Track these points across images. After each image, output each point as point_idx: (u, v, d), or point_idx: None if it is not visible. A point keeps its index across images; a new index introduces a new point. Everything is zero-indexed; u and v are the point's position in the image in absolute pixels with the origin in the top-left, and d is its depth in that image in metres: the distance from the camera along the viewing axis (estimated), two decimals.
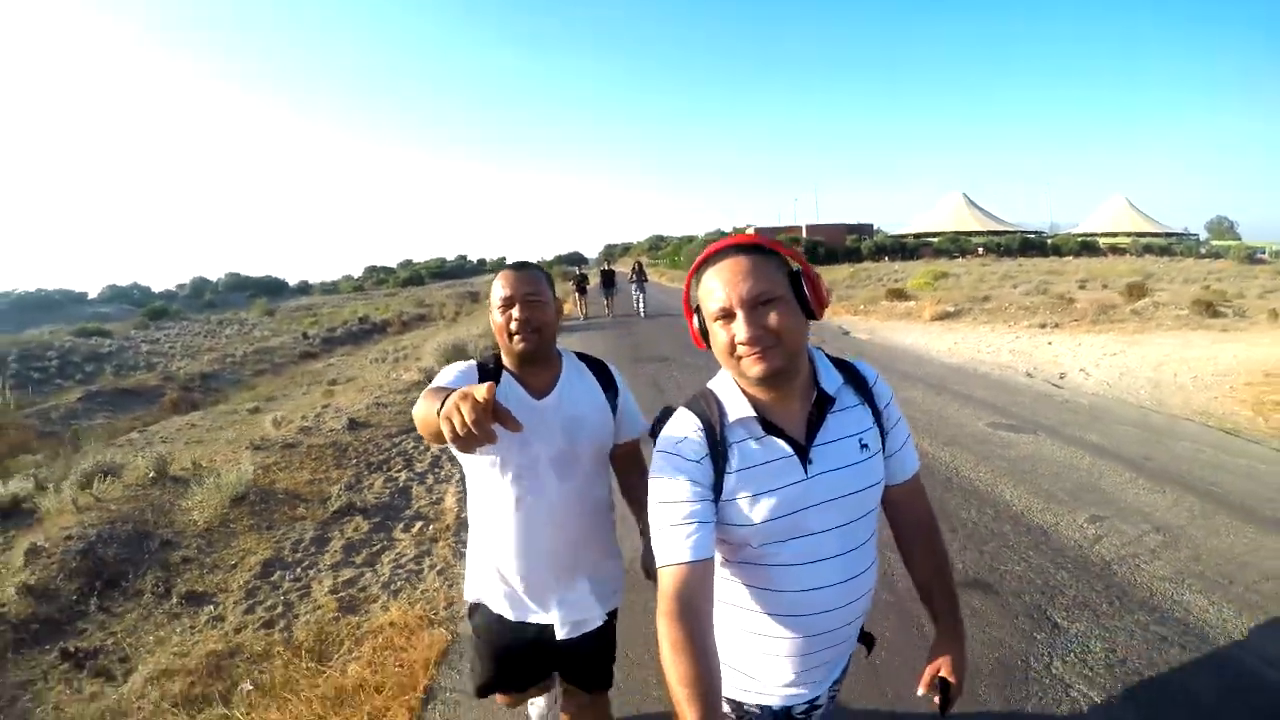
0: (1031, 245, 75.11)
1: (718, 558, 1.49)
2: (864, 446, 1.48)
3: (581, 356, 2.22)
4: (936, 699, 1.63)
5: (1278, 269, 38.61)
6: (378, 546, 5.21)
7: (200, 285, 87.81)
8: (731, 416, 1.44)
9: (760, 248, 1.40)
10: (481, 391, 1.25)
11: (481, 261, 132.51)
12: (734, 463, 1.41)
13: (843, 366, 1.58)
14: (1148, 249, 70.38)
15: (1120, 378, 10.03)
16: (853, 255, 67.34)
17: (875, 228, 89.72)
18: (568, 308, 23.83)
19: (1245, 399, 8.49)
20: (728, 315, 1.36)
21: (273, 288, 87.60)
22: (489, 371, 2.00)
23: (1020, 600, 4.00)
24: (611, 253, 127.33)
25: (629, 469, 2.27)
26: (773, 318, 1.34)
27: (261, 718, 3.16)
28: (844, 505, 1.45)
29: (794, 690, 1.54)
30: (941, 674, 1.63)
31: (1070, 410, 8.41)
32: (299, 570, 4.85)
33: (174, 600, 4.45)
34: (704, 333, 1.48)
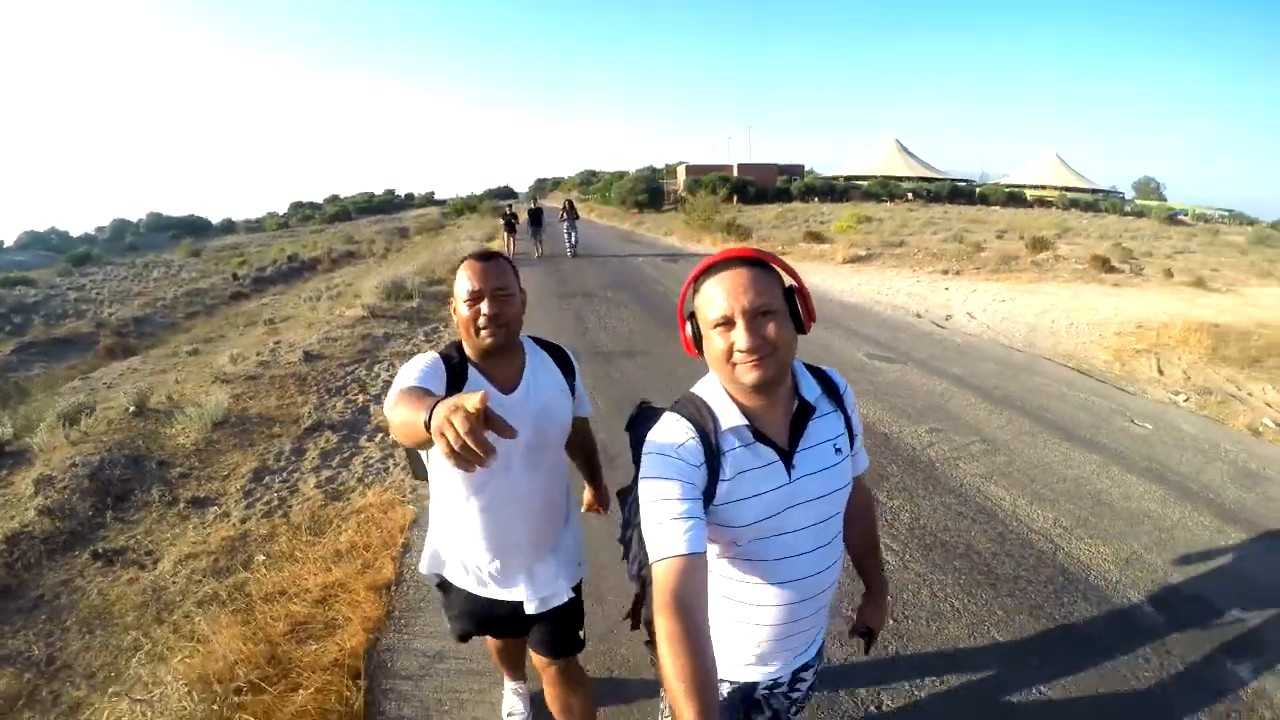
0: (960, 193, 76.46)
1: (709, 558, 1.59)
2: (837, 450, 1.62)
3: (539, 342, 2.30)
4: (864, 643, 2.08)
5: (1192, 231, 40.72)
6: (348, 453, 6.21)
7: (121, 227, 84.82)
8: (724, 424, 1.52)
9: (761, 262, 1.50)
10: (473, 401, 1.20)
11: (410, 196, 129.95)
12: (728, 470, 1.50)
13: (817, 375, 1.71)
14: (1074, 204, 72.14)
15: (1001, 322, 11.15)
16: (783, 195, 67.83)
17: (807, 169, 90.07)
18: (496, 244, 23.77)
19: (1110, 346, 9.62)
20: (728, 324, 1.44)
21: (196, 227, 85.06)
22: (455, 366, 2.03)
23: None
24: (542, 186, 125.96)
25: (580, 436, 2.48)
26: (771, 328, 1.43)
27: (278, 576, 4.15)
28: (819, 506, 1.59)
29: (761, 669, 1.71)
30: (870, 624, 2.03)
31: (944, 347, 9.55)
32: (285, 475, 5.81)
33: (181, 505, 5.36)
34: (696, 340, 1.58)
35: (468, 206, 70.68)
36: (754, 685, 1.73)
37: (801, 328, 1.51)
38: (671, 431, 1.51)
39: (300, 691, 3.07)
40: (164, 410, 7.34)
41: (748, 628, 1.64)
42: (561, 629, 2.32)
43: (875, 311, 12.29)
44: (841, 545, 1.70)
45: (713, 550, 1.59)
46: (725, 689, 1.71)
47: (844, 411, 1.69)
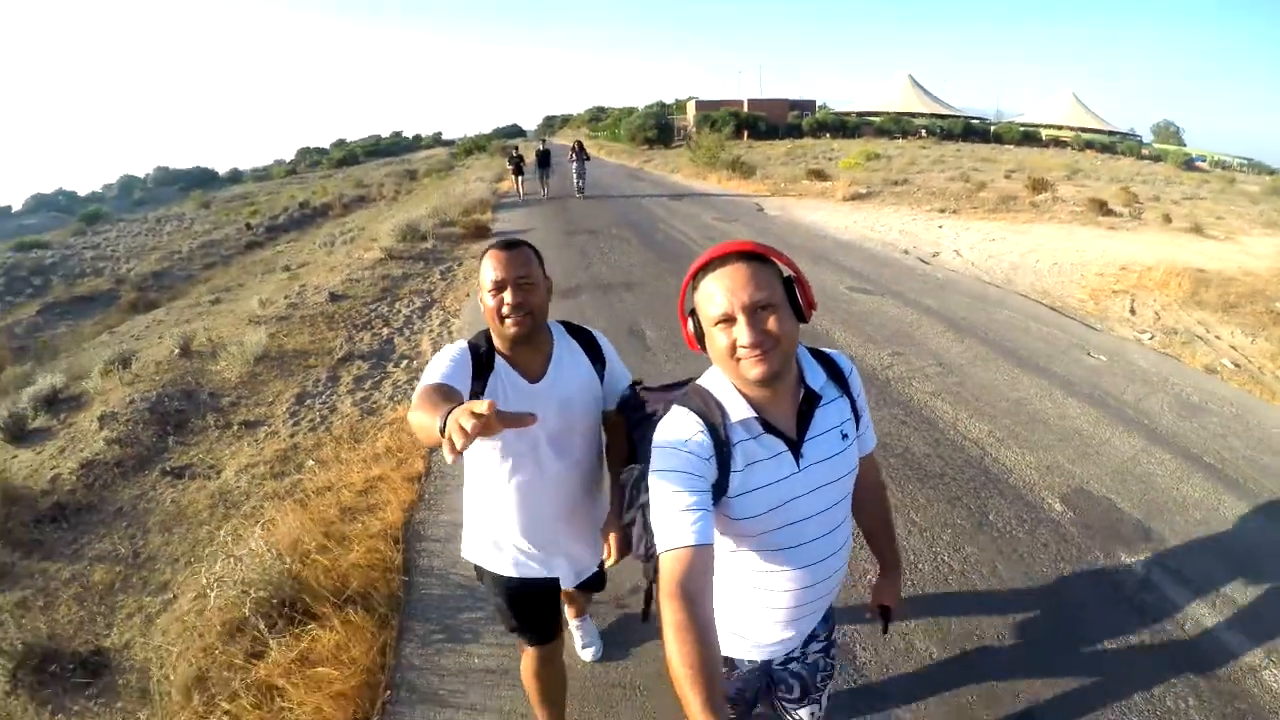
0: (974, 131, 75.27)
1: (719, 543, 1.63)
2: (844, 436, 1.65)
3: (569, 328, 2.31)
4: (881, 623, 2.10)
5: (1206, 178, 39.57)
6: (378, 377, 7.03)
7: (128, 183, 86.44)
8: (733, 416, 1.54)
9: (758, 255, 1.50)
10: (482, 407, 1.28)
11: (417, 137, 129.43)
12: (738, 461, 1.53)
13: (822, 359, 1.72)
14: (1089, 145, 70.25)
15: (986, 259, 11.54)
16: (794, 131, 67.15)
17: (823, 104, 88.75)
18: (505, 185, 24.42)
19: (1089, 286, 9.92)
20: (729, 320, 1.45)
21: (203, 179, 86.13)
22: (482, 356, 2.07)
23: None
24: (551, 124, 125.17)
25: (616, 431, 2.34)
26: (772, 322, 1.45)
27: (326, 475, 4.96)
28: (827, 492, 1.62)
29: (776, 645, 1.78)
30: (884, 602, 2.06)
31: (924, 281, 10.08)
32: (323, 398, 6.62)
33: (234, 428, 6.16)
34: (698, 336, 1.59)
35: (476, 146, 70.72)
36: (770, 661, 1.83)
37: (802, 317, 1.55)
38: (681, 426, 1.55)
39: (354, 552, 3.88)
40: (206, 351, 8.16)
41: (766, 611, 1.71)
42: (591, 581, 2.56)
43: (865, 248, 12.76)
44: (850, 526, 1.77)
45: (727, 540, 1.66)
46: (746, 667, 1.82)
47: (849, 395, 1.72)
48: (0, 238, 41.25)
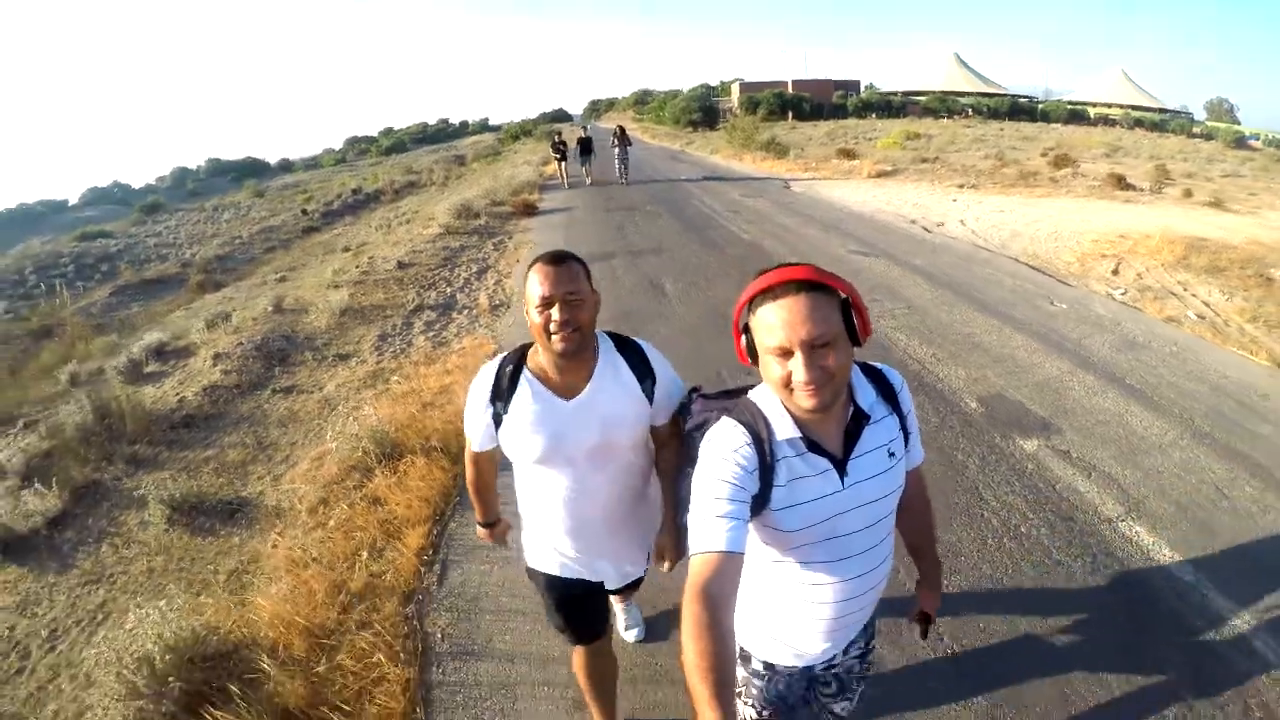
0: (1021, 110, 76.15)
1: (760, 556, 1.74)
2: (891, 455, 1.68)
3: (617, 341, 2.28)
4: (919, 629, 2.18)
5: (1250, 156, 39.91)
6: (445, 322, 8.66)
7: (181, 175, 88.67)
8: (779, 435, 1.59)
9: (817, 284, 1.48)
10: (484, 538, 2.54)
11: (464, 124, 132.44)
12: (781, 476, 1.58)
13: (872, 375, 1.77)
14: (1138, 123, 70.35)
15: (988, 228, 12.44)
16: (839, 112, 68.52)
17: (869, 84, 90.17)
18: (550, 169, 25.51)
19: (1081, 251, 10.57)
20: (785, 353, 1.47)
21: (254, 169, 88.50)
22: (506, 381, 2.15)
23: None
24: (597, 108, 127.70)
25: (667, 444, 2.34)
26: (830, 359, 1.47)
27: (408, 385, 6.49)
28: (871, 510, 1.66)
29: (816, 652, 1.85)
30: (925, 609, 2.14)
31: (921, 246, 11.23)
32: (401, 337, 8.21)
33: (329, 359, 7.76)
34: (751, 353, 1.61)
35: (523, 131, 72.24)
36: (812, 666, 1.90)
37: (857, 340, 1.55)
38: (729, 437, 1.59)
39: (434, 420, 5.47)
40: (295, 309, 9.83)
41: (808, 621, 1.76)
42: (635, 586, 2.68)
43: (876, 219, 13.96)
44: (892, 542, 1.79)
45: (770, 552, 1.71)
46: (787, 673, 1.90)
47: (899, 412, 1.75)
48: (61, 230, 43.23)
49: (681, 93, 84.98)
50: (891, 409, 1.74)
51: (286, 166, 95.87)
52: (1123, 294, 8.65)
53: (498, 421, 2.15)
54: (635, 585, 2.68)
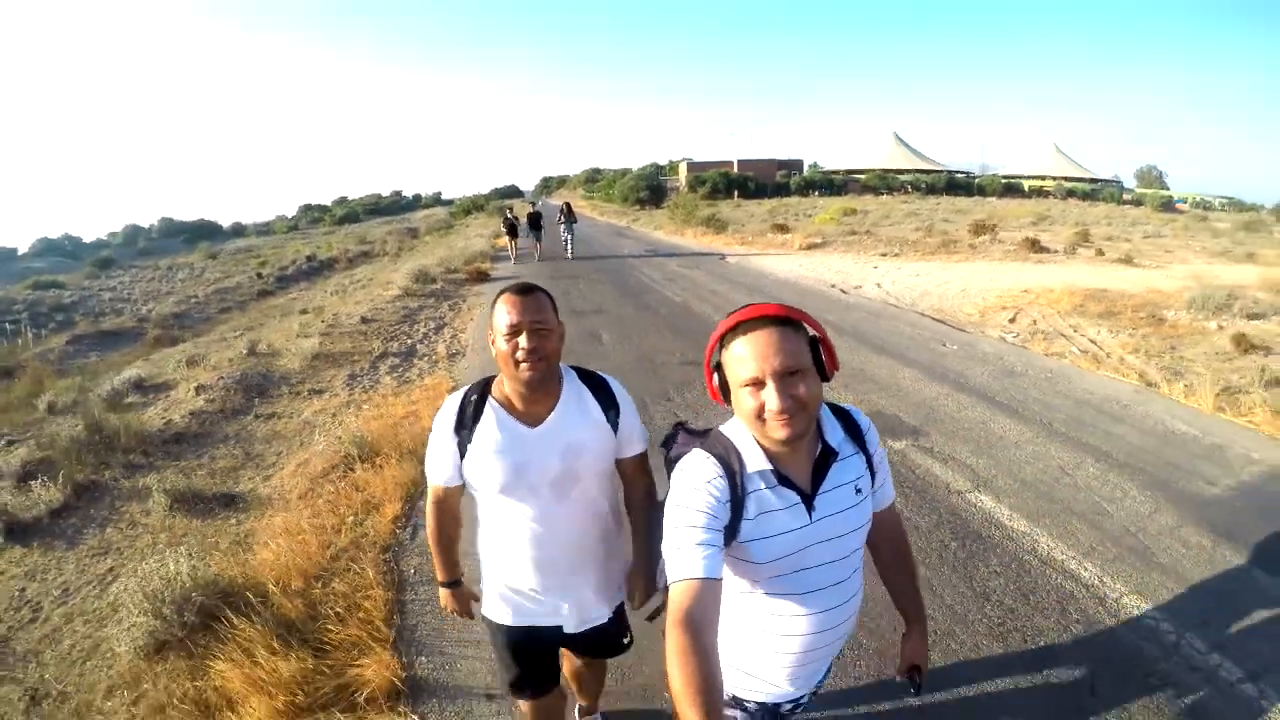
0: (958, 185, 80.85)
1: (730, 585, 1.76)
2: (858, 491, 1.75)
3: (582, 374, 2.32)
4: (911, 684, 2.07)
5: (1173, 219, 43.31)
6: (407, 366, 9.85)
7: (134, 233, 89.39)
8: (750, 467, 1.66)
9: (787, 320, 1.59)
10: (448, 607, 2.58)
11: (417, 197, 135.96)
12: (751, 509, 1.64)
13: (840, 415, 1.84)
14: (1070, 193, 74.94)
15: (903, 290, 13.80)
16: (782, 190, 72.63)
17: (813, 163, 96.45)
18: (501, 242, 26.35)
19: (983, 305, 11.86)
20: (758, 384, 1.55)
21: (207, 231, 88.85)
22: (470, 409, 2.19)
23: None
24: (548, 184, 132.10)
25: (634, 481, 2.41)
26: (801, 388, 1.54)
27: (377, 411, 7.59)
28: (839, 544, 1.72)
29: (785, 690, 1.87)
30: (915, 662, 2.07)
31: (835, 304, 12.69)
32: (368, 377, 9.36)
33: (304, 394, 8.85)
34: (724, 391, 1.69)
35: (475, 206, 74.33)
36: (778, 705, 1.91)
37: (825, 376, 1.64)
38: (702, 468, 1.66)
39: (405, 435, 6.58)
40: (267, 354, 10.91)
41: (774, 655, 1.80)
42: (602, 643, 2.56)
43: (799, 284, 15.46)
44: (861, 579, 1.84)
45: (739, 584, 1.76)
46: (755, 710, 1.91)
47: (865, 451, 1.81)
48: (8, 279, 43.22)
49: (631, 170, 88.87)
50: (858, 448, 1.81)
51: (239, 230, 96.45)
52: (1014, 337, 9.86)
53: (463, 451, 2.17)
54: (605, 649, 2.65)
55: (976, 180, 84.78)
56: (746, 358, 1.56)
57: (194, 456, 7.20)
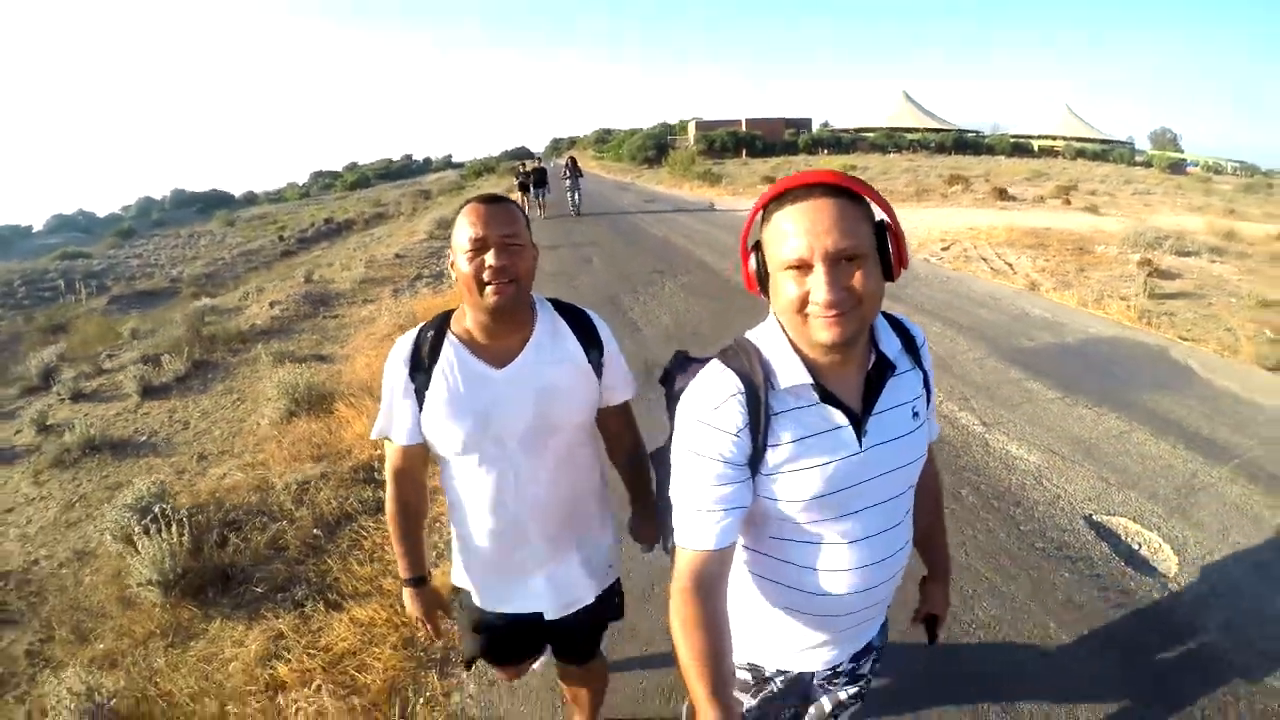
0: (967, 144, 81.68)
1: (750, 533, 1.49)
2: (915, 415, 1.44)
3: (560, 306, 1.99)
4: (926, 631, 1.91)
5: (1172, 178, 44.94)
6: (440, 282, 12.34)
7: (146, 205, 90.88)
8: (782, 381, 1.33)
9: (847, 191, 1.25)
10: (418, 618, 2.13)
11: (428, 160, 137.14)
12: (780, 434, 1.33)
13: (894, 324, 1.50)
14: (1080, 153, 75.69)
15: None
16: (790, 149, 73.68)
17: (823, 122, 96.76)
18: (514, 196, 27.79)
19: (925, 238, 13.42)
20: (804, 268, 1.22)
21: (219, 201, 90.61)
22: (424, 349, 1.84)
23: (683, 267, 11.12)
24: (559, 146, 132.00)
25: (619, 433, 2.14)
26: (857, 278, 1.22)
27: (425, 305, 9.98)
28: (892, 480, 1.41)
29: (815, 656, 1.56)
30: (933, 611, 1.86)
31: None
32: (409, 290, 11.85)
33: (359, 301, 11.38)
34: (760, 278, 1.36)
35: (486, 168, 75.43)
36: (810, 674, 1.62)
37: (890, 274, 1.30)
38: (712, 388, 1.35)
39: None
40: (321, 281, 13.37)
41: (802, 615, 1.50)
42: (586, 634, 2.26)
43: None
44: (911, 526, 1.54)
45: (764, 529, 1.46)
46: (779, 681, 1.61)
47: (922, 368, 1.50)
48: (28, 255, 44.58)
49: (641, 130, 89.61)
50: (914, 362, 1.49)
51: (251, 199, 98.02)
52: (937, 260, 11.46)
53: (420, 400, 1.83)
54: (580, 638, 2.27)
55: (985, 139, 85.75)
56: (792, 233, 1.23)
57: (282, 340, 9.58)
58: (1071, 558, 3.84)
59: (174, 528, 4.15)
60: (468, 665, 2.39)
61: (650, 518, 2.19)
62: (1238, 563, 3.78)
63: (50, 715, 3.15)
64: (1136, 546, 3.96)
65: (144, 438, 6.99)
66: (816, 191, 1.23)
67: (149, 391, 8.24)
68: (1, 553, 5.23)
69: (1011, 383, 6.29)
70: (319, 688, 3.06)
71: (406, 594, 2.11)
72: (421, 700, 3.02)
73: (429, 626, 2.16)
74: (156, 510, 4.28)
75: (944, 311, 8.53)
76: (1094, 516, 4.23)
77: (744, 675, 1.63)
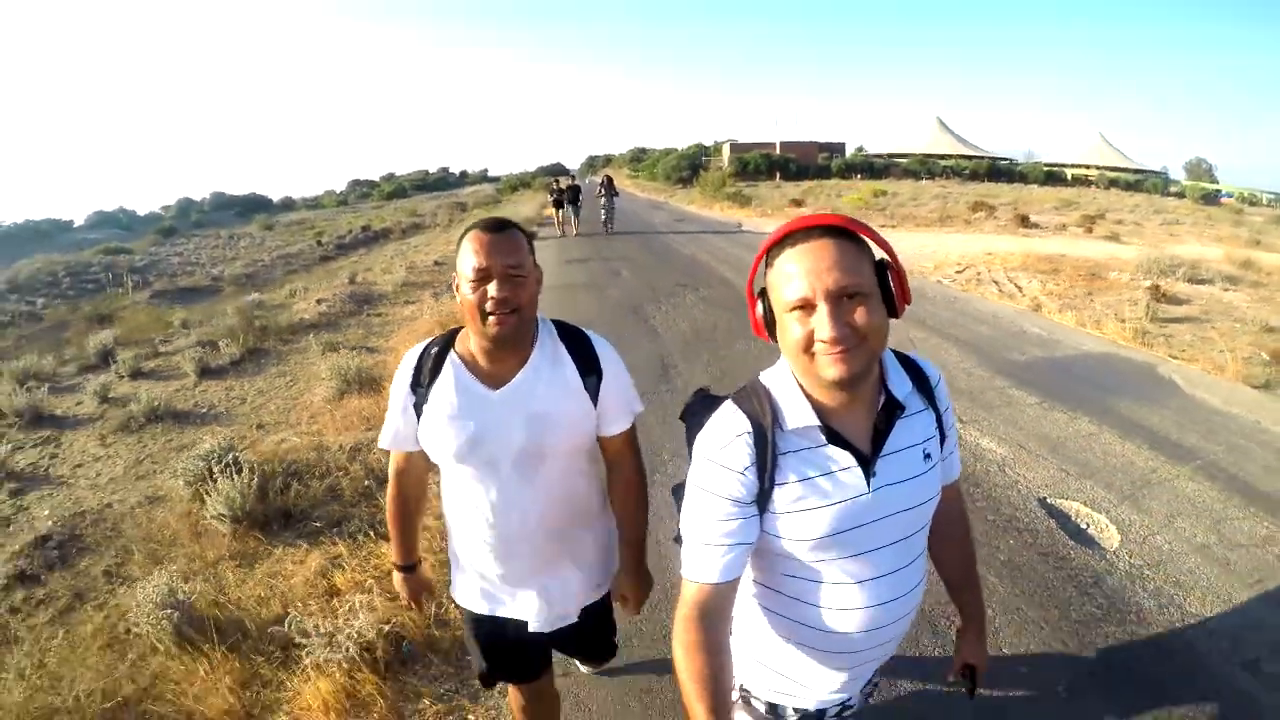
0: (1000, 172, 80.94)
1: (762, 570, 1.53)
2: (927, 456, 1.45)
3: (563, 330, 2.01)
4: (965, 686, 1.85)
5: (1203, 209, 44.52)
6: None
7: (186, 206, 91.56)
8: (790, 422, 1.37)
9: (847, 232, 1.31)
10: (404, 599, 2.35)
11: (464, 173, 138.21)
12: (787, 474, 1.37)
13: (906, 365, 1.52)
14: (1113, 183, 75.13)
15: None
16: (823, 173, 73.90)
17: (857, 146, 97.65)
18: (548, 211, 26.65)
19: (942, 261, 13.82)
20: (807, 307, 1.27)
21: (258, 205, 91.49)
22: (429, 363, 1.91)
23: (682, 272, 11.72)
24: (594, 163, 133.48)
25: (618, 464, 2.13)
26: (859, 314, 1.26)
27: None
28: (902, 520, 1.43)
29: (830, 696, 1.58)
30: (970, 661, 1.81)
31: None
32: (449, 295, 12.25)
33: (401, 302, 12.15)
34: (768, 322, 1.41)
35: (521, 183, 76.24)
36: (822, 712, 1.62)
37: (894, 311, 1.35)
38: (722, 428, 1.41)
39: None
40: (364, 283, 14.13)
41: (816, 652, 1.52)
42: (585, 642, 2.36)
43: None
44: (925, 565, 1.55)
45: (775, 565, 1.49)
46: (793, 717, 1.62)
47: (935, 409, 1.52)
48: (69, 249, 45.33)
49: (675, 151, 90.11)
50: (927, 402, 1.51)
51: (289, 204, 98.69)
52: (949, 282, 11.79)
53: (419, 412, 1.91)
54: (589, 653, 2.47)
55: (1019, 167, 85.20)
56: (795, 274, 1.27)
57: (330, 333, 10.30)
58: (1019, 529, 4.30)
59: (244, 473, 4.79)
60: (484, 682, 2.35)
61: (635, 571, 2.21)
62: (1179, 543, 4.12)
63: (135, 611, 3.71)
64: (1084, 526, 4.38)
65: (204, 410, 7.70)
66: (816, 233, 1.29)
67: (206, 372, 8.98)
68: (75, 497, 5.89)
69: (995, 390, 6.72)
70: (370, 588, 3.68)
71: (397, 578, 2.31)
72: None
73: (415, 606, 2.45)
74: (229, 458, 4.96)
75: (945, 328, 8.93)
76: (1048, 500, 4.66)
77: (764, 715, 1.66)
